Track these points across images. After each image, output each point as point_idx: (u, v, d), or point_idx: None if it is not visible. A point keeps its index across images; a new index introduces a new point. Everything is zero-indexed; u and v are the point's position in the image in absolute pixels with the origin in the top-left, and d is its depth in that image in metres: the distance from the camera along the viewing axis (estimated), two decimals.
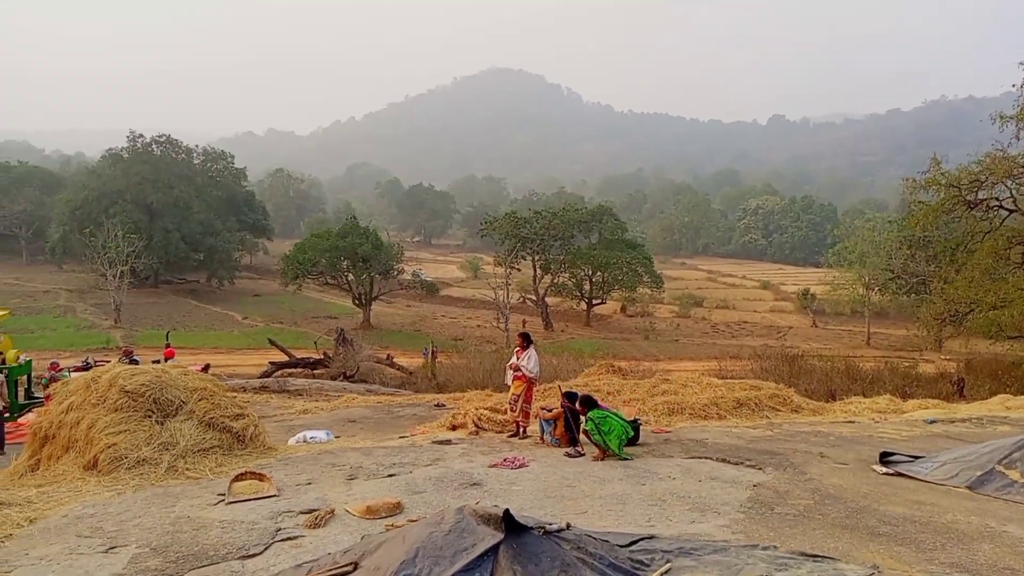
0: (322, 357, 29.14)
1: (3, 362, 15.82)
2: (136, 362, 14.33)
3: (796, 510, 6.89)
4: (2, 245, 78.09)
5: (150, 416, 9.01)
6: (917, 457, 8.89)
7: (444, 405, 16.67)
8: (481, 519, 4.32)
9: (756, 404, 12.88)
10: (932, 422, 12.34)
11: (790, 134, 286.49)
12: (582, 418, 9.71)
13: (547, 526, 4.33)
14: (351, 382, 25.08)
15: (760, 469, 8.55)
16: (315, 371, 27.81)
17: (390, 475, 8.35)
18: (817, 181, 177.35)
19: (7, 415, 15.35)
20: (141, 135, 70.45)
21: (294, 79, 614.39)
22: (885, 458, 8.84)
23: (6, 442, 13.23)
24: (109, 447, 8.51)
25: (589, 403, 9.37)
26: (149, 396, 9.07)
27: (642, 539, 5.06)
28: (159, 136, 71.80)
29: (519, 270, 59.91)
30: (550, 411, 10.27)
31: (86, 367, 19.86)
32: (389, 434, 12.20)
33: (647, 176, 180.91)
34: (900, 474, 8.34)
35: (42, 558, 5.95)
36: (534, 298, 60.09)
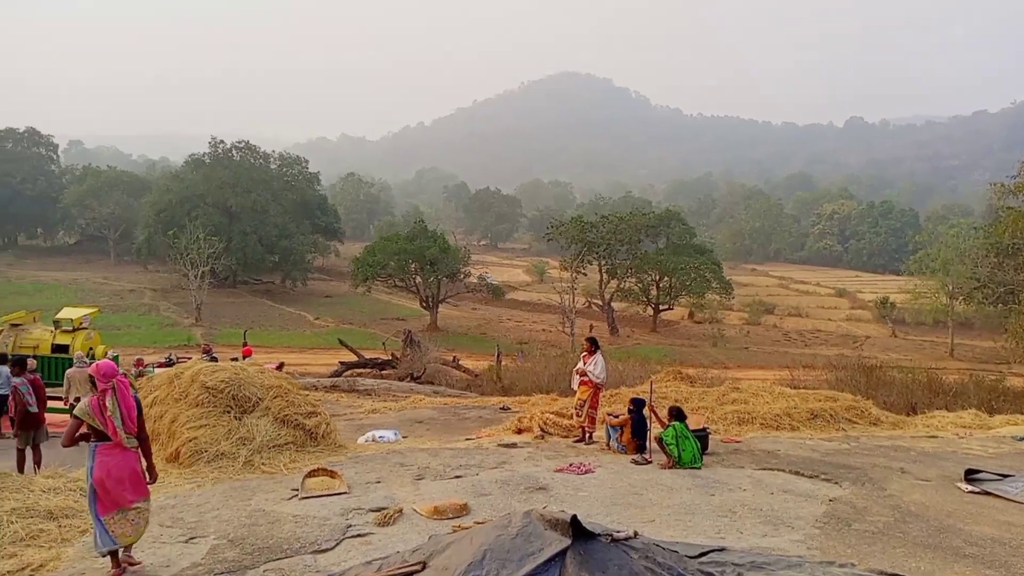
0: (390, 358, 29.60)
1: (93, 357, 16.67)
2: (215, 359, 14.88)
3: (875, 527, 6.64)
4: (92, 246, 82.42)
5: (229, 412, 9.35)
6: (1006, 476, 8.44)
7: (509, 408, 16.72)
8: (548, 524, 4.31)
9: (831, 415, 12.46)
10: (1021, 439, 11.69)
11: (868, 137, 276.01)
12: (653, 425, 9.60)
13: (615, 534, 4.29)
14: (418, 383, 25.38)
15: (836, 483, 8.27)
16: (383, 372, 28.27)
17: (456, 476, 8.43)
18: (897, 186, 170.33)
19: None
20: (222, 141, 73.33)
21: (366, 85, 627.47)
22: (971, 475, 8.43)
23: None
24: (190, 440, 8.88)
25: (679, 415, 9.28)
26: (228, 392, 9.41)
27: (712, 551, 4.96)
28: (238, 142, 74.54)
29: (585, 274, 59.61)
30: (617, 417, 10.19)
31: (169, 363, 20.73)
32: (455, 436, 12.32)
33: (716, 180, 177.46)
34: (987, 493, 7.94)
35: None
36: (600, 303, 59.70)
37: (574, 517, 4.21)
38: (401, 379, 26.17)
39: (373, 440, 11.54)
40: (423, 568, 4.53)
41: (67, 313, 17.91)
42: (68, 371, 13.98)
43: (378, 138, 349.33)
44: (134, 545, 5.81)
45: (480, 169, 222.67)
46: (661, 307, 61.35)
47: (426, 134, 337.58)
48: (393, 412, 16.98)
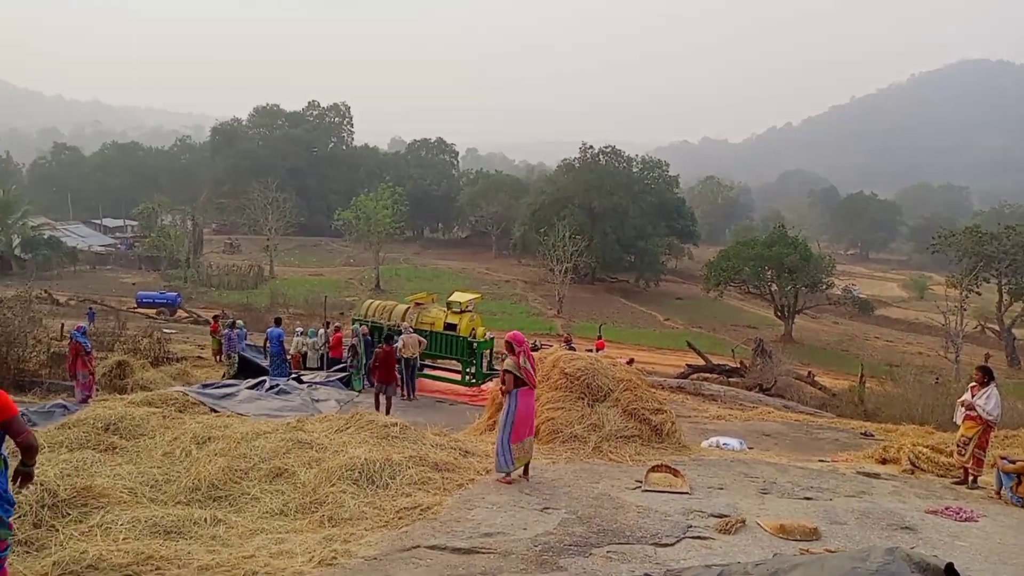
0: (738, 366, 28.78)
1: (474, 337, 19.08)
2: (573, 349, 16.01)
3: None
4: (478, 240, 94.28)
5: (582, 398, 10.00)
6: None
7: (872, 435, 15.14)
8: (917, 567, 3.85)
9: None
10: None
11: None
12: None
13: None
14: (767, 395, 24.24)
15: None
16: (730, 379, 27.58)
17: (807, 498, 7.91)
18: None
19: (473, 381, 18.50)
20: (591, 146, 78.28)
21: (729, 88, 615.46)
22: None
23: (473, 404, 15.94)
24: (548, 420, 9.70)
25: None
26: (583, 380, 10.06)
27: None
28: (605, 147, 78.85)
29: (978, 293, 50.94)
30: (1013, 463, 8.59)
31: (534, 348, 22.74)
32: (807, 455, 11.54)
33: None
34: None
35: (493, 504, 7.07)
36: (997, 328, 50.55)
37: (950, 565, 3.71)
38: (749, 388, 25.25)
39: (717, 446, 11.38)
40: None
41: (457, 297, 20.59)
42: (401, 336, 16.42)
43: (740, 140, 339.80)
44: (498, 506, 6.55)
45: (854, 172, 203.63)
46: None
47: (794, 135, 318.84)
48: (739, 421, 16.52)
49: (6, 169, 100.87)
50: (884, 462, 10.41)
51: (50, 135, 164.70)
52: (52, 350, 17.30)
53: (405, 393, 16.59)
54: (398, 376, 15.30)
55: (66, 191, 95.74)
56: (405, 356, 16.30)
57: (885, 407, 22.57)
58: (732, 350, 35.67)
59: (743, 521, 6.73)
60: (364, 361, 17.31)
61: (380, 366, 14.08)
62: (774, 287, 53.29)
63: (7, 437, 4.20)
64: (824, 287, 54.29)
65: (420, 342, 17.20)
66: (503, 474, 7.77)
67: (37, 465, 6.60)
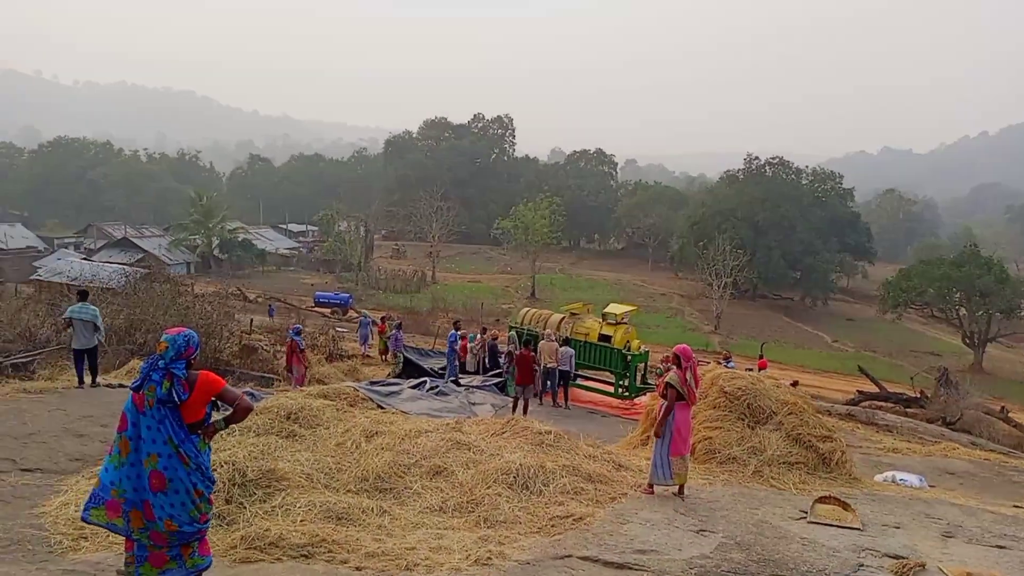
0: (918, 396, 26.42)
1: (628, 349, 18.85)
2: (732, 367, 15.42)
3: None
4: (634, 252, 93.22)
5: (742, 419, 9.60)
6: None
7: None
8: None
9: None
10: None
11: None
12: None
13: None
14: (951, 429, 22.05)
15: None
16: (908, 409, 25.37)
17: (999, 546, 7.13)
18: None
19: (627, 394, 18.28)
20: (757, 157, 75.23)
21: (914, 94, 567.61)
22: None
23: (626, 418, 15.76)
24: (705, 439, 9.41)
25: None
26: (744, 401, 9.66)
27: None
28: (772, 158, 75.46)
29: None
30: None
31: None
32: (999, 499, 10.38)
33: None
34: None
35: (647, 521, 6.97)
36: None
37: None
38: (930, 421, 23.06)
39: (893, 481, 10.49)
40: None
41: (613, 308, 20.36)
42: (540, 343, 16.15)
43: (927, 151, 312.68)
44: (652, 523, 6.43)
45: None
46: None
47: (989, 144, 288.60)
48: (918, 456, 15.13)
49: (209, 178, 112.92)
50: None
51: (246, 147, 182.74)
52: (243, 343, 19.03)
53: (550, 401, 16.66)
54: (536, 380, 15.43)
55: (258, 198, 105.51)
56: (542, 363, 16.15)
57: None
58: (911, 378, 32.77)
59: (923, 565, 6.19)
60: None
61: (517, 369, 14.47)
62: (963, 311, 48.66)
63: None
64: (1022, 314, 48.82)
65: (556, 351, 16.89)
66: (651, 484, 7.87)
67: (229, 446, 7.29)
